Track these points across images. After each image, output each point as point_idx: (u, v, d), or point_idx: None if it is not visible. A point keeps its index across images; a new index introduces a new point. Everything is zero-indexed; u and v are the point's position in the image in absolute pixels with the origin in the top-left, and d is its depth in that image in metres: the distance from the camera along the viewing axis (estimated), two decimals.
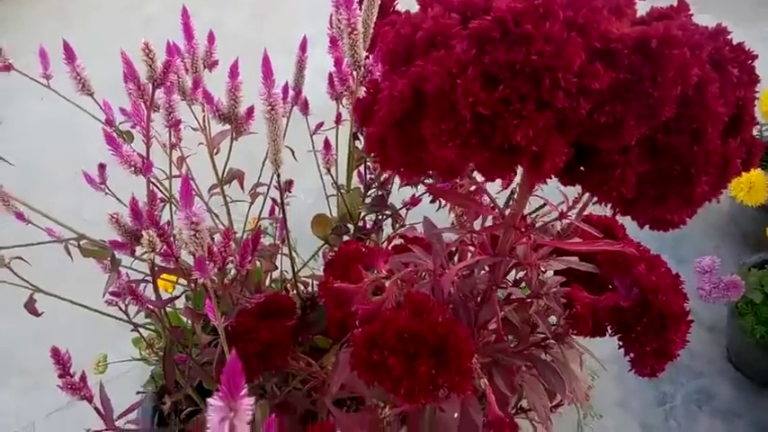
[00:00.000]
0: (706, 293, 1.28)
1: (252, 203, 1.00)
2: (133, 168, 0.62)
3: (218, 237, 0.62)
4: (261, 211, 1.03)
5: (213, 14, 2.49)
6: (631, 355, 0.58)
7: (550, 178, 0.39)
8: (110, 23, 2.50)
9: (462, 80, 0.36)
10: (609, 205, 0.41)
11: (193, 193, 0.51)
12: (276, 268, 1.01)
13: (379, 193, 0.83)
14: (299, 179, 1.04)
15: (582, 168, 0.41)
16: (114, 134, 0.70)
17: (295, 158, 0.97)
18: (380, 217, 0.89)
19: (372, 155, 0.43)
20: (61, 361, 0.58)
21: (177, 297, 0.72)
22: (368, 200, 0.85)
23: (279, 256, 1.04)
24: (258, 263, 1.04)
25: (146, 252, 0.64)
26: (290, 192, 1.04)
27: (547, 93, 0.36)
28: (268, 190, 0.97)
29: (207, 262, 0.53)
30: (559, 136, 0.37)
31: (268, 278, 1.09)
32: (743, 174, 0.43)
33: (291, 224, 1.12)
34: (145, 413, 1.11)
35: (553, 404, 0.83)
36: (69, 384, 0.58)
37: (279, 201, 0.98)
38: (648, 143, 0.39)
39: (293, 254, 1.01)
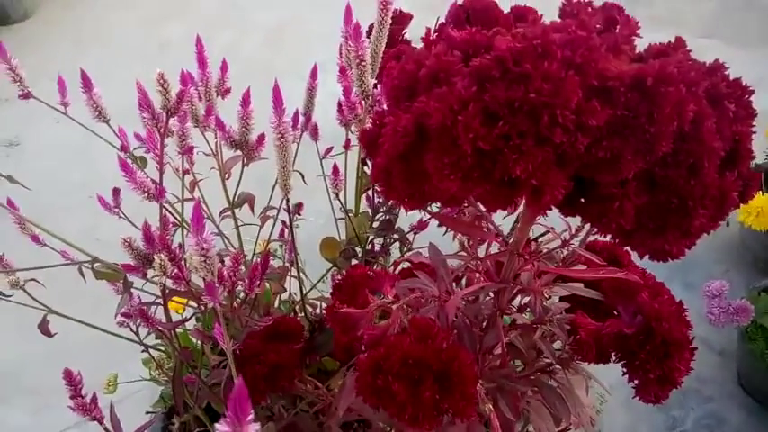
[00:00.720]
0: (715, 318, 1.28)
1: (262, 226, 1.01)
2: (147, 194, 0.64)
3: (227, 260, 0.63)
4: (270, 234, 1.05)
5: (230, 38, 2.54)
6: (636, 381, 0.59)
7: (551, 209, 0.40)
8: (126, 45, 2.55)
9: (463, 116, 0.37)
10: (609, 236, 0.42)
11: (204, 218, 0.52)
12: (285, 290, 1.02)
13: (387, 217, 0.84)
14: (308, 202, 1.06)
15: (582, 200, 0.42)
16: (128, 160, 0.72)
17: (305, 182, 0.99)
18: (388, 241, 0.90)
19: (378, 184, 0.44)
20: (73, 382, 0.59)
21: (188, 319, 0.74)
22: (375, 224, 0.86)
23: (288, 278, 1.06)
24: (267, 285, 1.06)
25: (157, 275, 0.66)
26: (299, 215, 1.05)
27: (545, 129, 0.37)
28: (278, 213, 0.99)
29: (216, 286, 0.54)
30: (558, 170, 0.39)
31: (277, 300, 1.11)
32: (742, 205, 0.44)
33: (301, 247, 1.13)
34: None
35: (559, 429, 0.83)
36: (80, 405, 0.59)
37: (288, 224, 0.99)
38: (646, 177, 0.40)
39: (302, 276, 1.02)
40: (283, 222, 1.05)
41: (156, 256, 0.63)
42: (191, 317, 0.87)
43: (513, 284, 0.57)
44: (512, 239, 0.54)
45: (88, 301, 0.96)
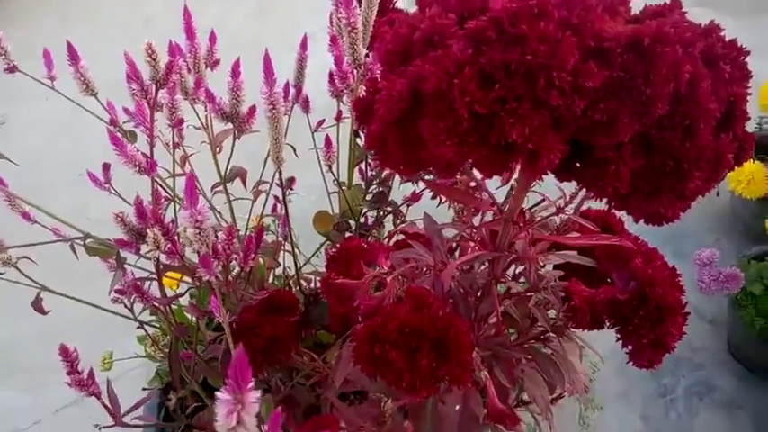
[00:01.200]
0: (705, 286, 1.29)
1: (254, 201, 1.01)
2: (137, 168, 0.63)
3: (221, 234, 0.63)
4: (263, 209, 1.04)
5: (218, 11, 2.50)
6: (629, 347, 0.59)
7: (546, 174, 0.40)
8: (112, 21, 2.51)
9: (459, 80, 0.37)
10: (604, 200, 0.42)
11: (198, 191, 0.52)
12: (279, 265, 1.02)
13: (380, 189, 0.84)
14: (301, 176, 1.05)
15: (578, 165, 0.42)
16: (118, 134, 0.71)
17: (296, 156, 0.98)
18: (381, 213, 0.90)
19: (372, 152, 0.44)
20: (69, 358, 0.59)
21: (182, 294, 0.73)
22: (369, 196, 0.86)
23: (282, 252, 1.05)
24: (261, 260, 1.06)
25: (150, 250, 0.65)
26: (291, 189, 1.05)
27: (542, 92, 0.37)
28: (270, 187, 0.98)
29: (211, 259, 0.54)
30: (555, 133, 0.38)
31: (271, 275, 1.11)
32: (736, 168, 0.44)
33: (294, 221, 1.13)
34: (151, 409, 1.13)
35: (553, 396, 0.84)
36: (78, 381, 0.59)
37: (281, 198, 0.99)
38: (642, 139, 0.40)
39: (295, 250, 1.02)
40: (276, 197, 1.05)
41: (149, 231, 0.63)
42: (185, 292, 0.87)
43: (507, 253, 0.57)
44: (506, 207, 0.54)
45: (81, 278, 0.95)
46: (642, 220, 0.44)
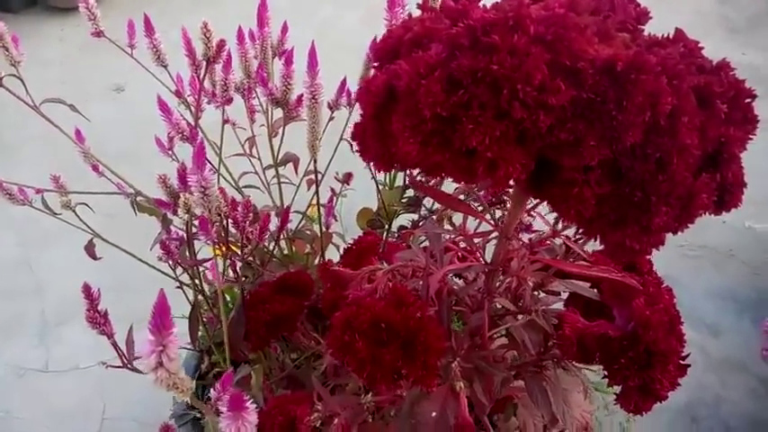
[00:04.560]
0: None
1: (308, 189, 1.05)
2: (181, 135, 0.68)
3: (240, 208, 0.67)
4: (316, 198, 1.08)
5: (332, 12, 2.60)
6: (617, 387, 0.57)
7: (509, 186, 0.40)
8: (238, 7, 2.67)
9: (427, 81, 0.38)
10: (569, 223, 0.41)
11: (206, 159, 0.56)
12: (319, 253, 1.05)
13: (416, 194, 0.85)
14: (363, 173, 1.08)
15: (547, 183, 0.42)
16: (180, 104, 0.77)
17: (353, 152, 1.01)
18: (419, 218, 0.91)
19: (356, 142, 0.46)
20: (90, 297, 0.65)
21: (208, 259, 0.78)
22: (405, 200, 0.87)
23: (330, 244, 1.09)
24: (308, 246, 1.10)
25: (183, 212, 0.70)
26: (348, 184, 1.08)
27: (505, 102, 0.37)
28: (322, 177, 1.02)
29: (212, 223, 0.58)
30: (518, 147, 0.38)
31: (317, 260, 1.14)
32: (723, 212, 0.42)
33: (347, 215, 1.16)
34: (187, 369, 1.20)
35: (557, 431, 0.81)
36: (93, 319, 0.64)
37: (334, 190, 1.03)
38: (613, 166, 0.39)
39: (339, 241, 1.05)
40: (332, 189, 1.09)
41: (181, 195, 0.67)
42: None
43: (501, 268, 0.57)
44: (502, 222, 0.54)
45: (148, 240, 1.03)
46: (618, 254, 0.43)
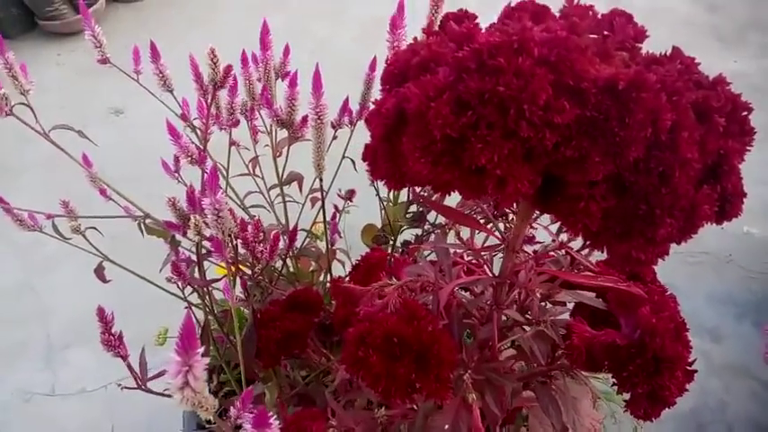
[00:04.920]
0: None
1: (312, 207, 1.06)
2: (190, 158, 0.70)
3: (251, 228, 0.68)
4: (322, 215, 1.09)
5: (327, 32, 2.63)
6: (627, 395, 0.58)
7: (517, 202, 0.42)
8: (231, 29, 2.70)
9: (436, 103, 0.39)
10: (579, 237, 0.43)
11: (219, 182, 0.57)
12: (323, 269, 1.06)
13: (420, 209, 0.87)
14: (367, 190, 1.09)
15: (556, 198, 0.43)
16: (186, 128, 0.78)
17: (356, 170, 1.03)
18: (423, 233, 0.93)
19: (366, 163, 0.47)
20: (105, 320, 0.66)
21: (218, 279, 0.79)
22: (410, 215, 0.89)
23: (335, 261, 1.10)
24: (313, 263, 1.11)
25: (194, 234, 0.72)
26: (351, 201, 1.10)
27: (512, 122, 0.38)
28: (326, 194, 1.03)
29: (225, 244, 0.59)
30: (526, 164, 0.40)
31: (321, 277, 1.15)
32: (725, 221, 0.43)
33: (351, 231, 1.17)
34: None
35: None
36: (107, 341, 0.65)
37: (337, 207, 1.04)
38: (617, 180, 0.41)
39: (344, 258, 1.06)
40: (335, 206, 1.10)
41: (191, 217, 0.69)
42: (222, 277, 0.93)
43: (509, 281, 0.58)
44: (508, 235, 0.55)
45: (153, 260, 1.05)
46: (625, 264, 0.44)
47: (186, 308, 0.98)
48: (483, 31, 0.42)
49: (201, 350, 0.36)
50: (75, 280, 1.17)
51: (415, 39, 0.49)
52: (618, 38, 0.43)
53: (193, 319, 0.36)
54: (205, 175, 0.74)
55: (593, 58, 0.41)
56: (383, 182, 0.46)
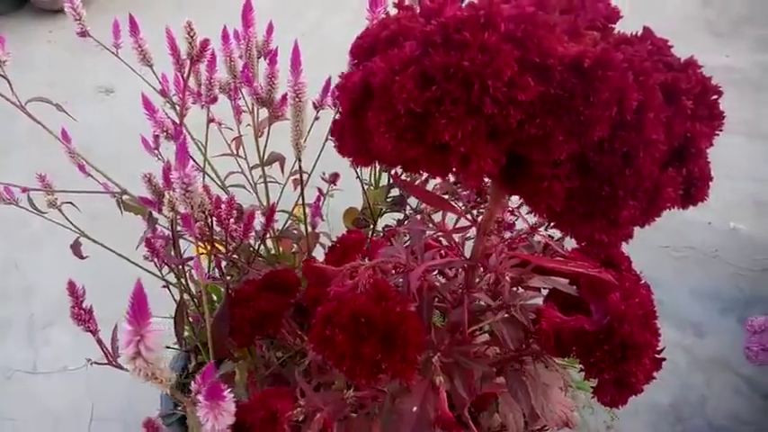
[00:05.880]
0: (753, 354, 1.22)
1: (295, 189, 1.06)
2: (165, 133, 0.69)
3: (224, 206, 0.67)
4: (302, 197, 1.09)
5: (319, 16, 2.61)
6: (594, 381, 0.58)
7: (482, 181, 0.41)
8: (225, 10, 2.68)
9: (400, 77, 0.39)
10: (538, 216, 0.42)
11: (189, 156, 0.56)
12: (306, 252, 1.06)
13: (400, 193, 0.86)
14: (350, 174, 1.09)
15: (519, 178, 0.43)
16: (166, 104, 0.77)
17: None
18: (403, 217, 0.92)
19: (334, 139, 0.47)
20: (75, 294, 0.65)
21: (190, 258, 0.78)
22: (390, 199, 0.88)
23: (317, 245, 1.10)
24: (295, 245, 1.10)
25: (168, 210, 0.71)
26: (334, 184, 1.09)
27: (476, 98, 0.38)
28: (309, 177, 1.03)
29: (195, 220, 0.58)
30: (490, 142, 0.39)
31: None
32: (690, 206, 0.43)
33: (333, 215, 1.17)
34: (174, 369, 1.21)
35: (538, 427, 0.82)
36: (77, 315, 0.65)
37: (321, 190, 1.03)
38: (581, 160, 0.40)
39: (325, 240, 1.06)
40: (319, 189, 1.09)
41: (165, 193, 0.68)
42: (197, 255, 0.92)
43: (481, 264, 0.58)
44: (480, 218, 0.55)
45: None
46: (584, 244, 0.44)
47: (164, 287, 0.98)
48: (455, 6, 0.41)
49: (153, 320, 0.36)
50: (60, 259, 1.16)
51: (387, 14, 0.48)
52: (588, 16, 0.43)
53: (144, 289, 0.35)
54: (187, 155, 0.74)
55: (562, 35, 0.40)
56: (350, 159, 0.46)
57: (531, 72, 0.38)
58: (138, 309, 0.35)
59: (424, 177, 0.93)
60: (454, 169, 0.40)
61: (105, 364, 0.71)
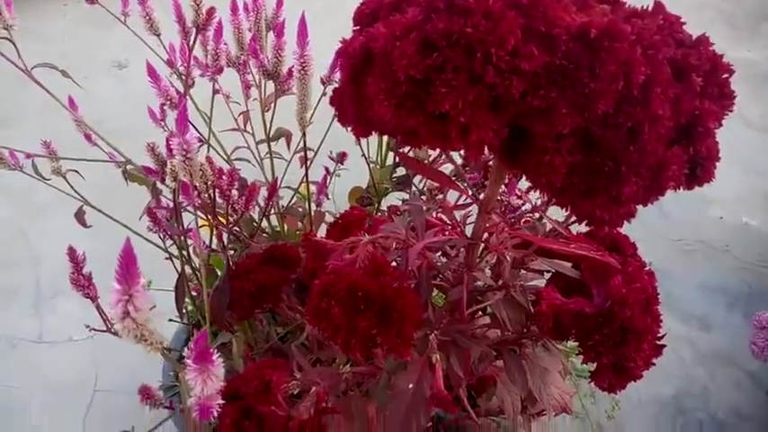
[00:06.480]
0: (758, 350, 1.20)
1: (301, 166, 1.05)
2: (168, 101, 0.68)
3: (225, 177, 0.67)
4: (305, 175, 1.08)
5: None
6: (593, 365, 0.58)
7: (483, 153, 0.40)
8: None
9: (401, 43, 0.38)
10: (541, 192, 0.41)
11: (189, 122, 0.56)
12: (311, 230, 1.05)
13: (406, 173, 0.85)
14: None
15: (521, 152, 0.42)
16: (172, 74, 0.77)
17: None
18: (409, 196, 0.91)
19: (334, 107, 0.46)
20: (75, 260, 0.65)
21: (191, 229, 0.78)
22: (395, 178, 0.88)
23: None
24: (300, 223, 1.10)
25: (170, 180, 0.71)
26: (341, 164, 1.08)
27: (478, 66, 0.37)
28: (316, 154, 1.02)
29: (193, 188, 0.58)
30: (491, 112, 0.38)
31: None
32: (696, 186, 0.42)
33: (339, 195, 1.16)
34: (177, 342, 1.21)
35: (536, 411, 0.82)
36: (76, 281, 0.65)
37: (328, 169, 1.03)
38: (585, 135, 0.39)
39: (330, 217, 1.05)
40: (326, 168, 1.09)
41: (167, 162, 0.68)
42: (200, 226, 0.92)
43: (481, 242, 0.57)
44: (482, 196, 0.54)
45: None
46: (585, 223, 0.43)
47: (167, 258, 0.98)
48: None
49: (143, 281, 0.35)
50: (68, 229, 1.17)
51: None
52: None
53: (133, 248, 0.35)
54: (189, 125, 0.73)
55: (570, 5, 0.39)
56: (350, 128, 0.45)
57: (535, 41, 0.37)
58: (127, 268, 0.34)
59: (431, 158, 0.92)
60: (454, 140, 0.39)
61: (104, 331, 0.71)
